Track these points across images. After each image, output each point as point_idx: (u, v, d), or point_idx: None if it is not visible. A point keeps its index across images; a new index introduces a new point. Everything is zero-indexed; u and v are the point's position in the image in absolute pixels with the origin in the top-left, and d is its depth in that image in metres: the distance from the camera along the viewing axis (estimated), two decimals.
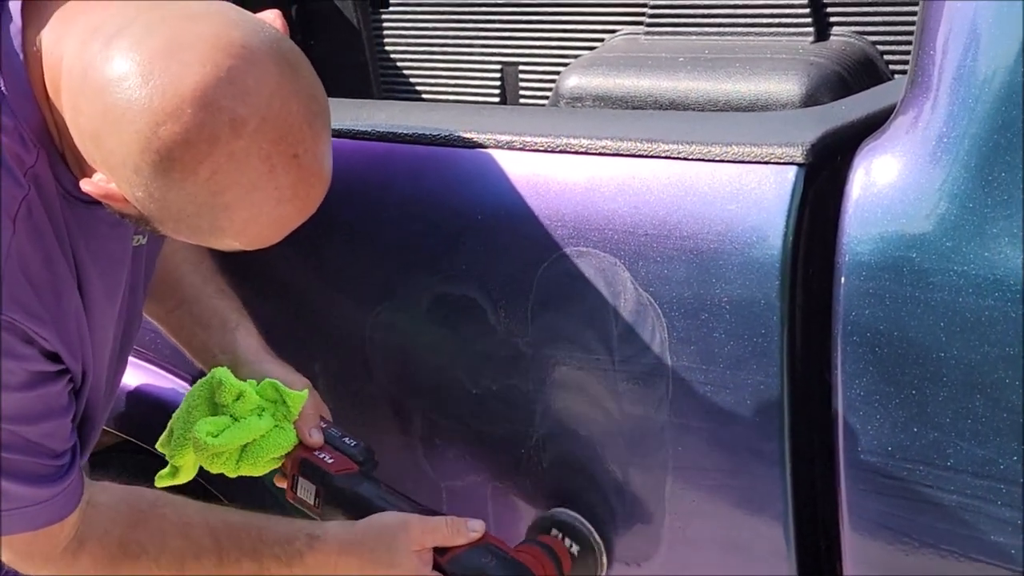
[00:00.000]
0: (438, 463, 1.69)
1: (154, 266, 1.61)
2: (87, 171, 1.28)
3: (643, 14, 2.24)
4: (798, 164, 1.39)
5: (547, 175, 1.52)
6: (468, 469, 1.67)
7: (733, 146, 1.42)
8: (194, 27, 1.19)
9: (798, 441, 1.43)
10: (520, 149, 1.55)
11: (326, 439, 1.60)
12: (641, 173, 1.46)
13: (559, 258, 1.50)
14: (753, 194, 1.40)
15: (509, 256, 1.54)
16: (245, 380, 1.59)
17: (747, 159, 1.41)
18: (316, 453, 1.59)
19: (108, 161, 1.22)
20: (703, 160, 1.43)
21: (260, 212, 1.23)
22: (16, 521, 1.36)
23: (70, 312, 1.36)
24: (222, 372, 1.58)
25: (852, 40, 2.09)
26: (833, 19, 2.11)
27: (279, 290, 1.77)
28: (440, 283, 1.60)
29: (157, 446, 1.62)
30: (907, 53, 2.00)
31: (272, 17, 1.29)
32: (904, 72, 1.97)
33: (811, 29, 2.10)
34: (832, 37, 2.11)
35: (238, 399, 1.57)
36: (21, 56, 1.28)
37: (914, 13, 2.00)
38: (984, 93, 1.29)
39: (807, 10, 2.10)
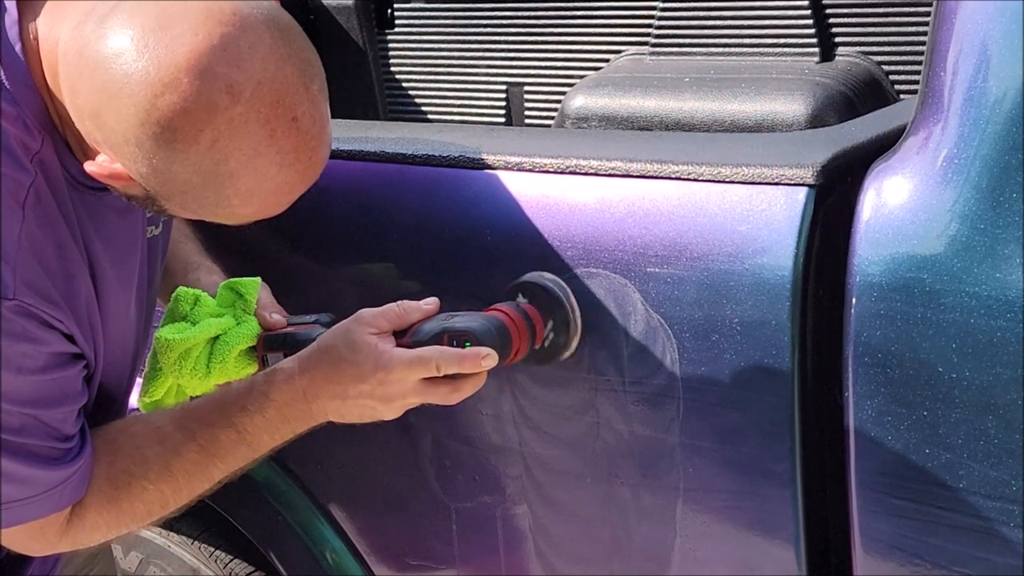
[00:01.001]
0: (448, 485, 1.69)
1: (166, 252, 1.62)
2: (90, 154, 1.29)
3: (648, 34, 2.24)
4: (809, 185, 1.39)
5: (557, 196, 1.53)
6: (478, 491, 1.67)
7: (743, 167, 1.42)
8: None
9: (809, 462, 1.43)
10: (530, 170, 1.55)
11: (288, 321, 1.59)
12: (651, 194, 1.47)
13: (569, 279, 1.49)
14: (764, 215, 1.40)
15: (519, 277, 1.54)
16: None
17: (758, 180, 1.41)
18: (278, 331, 1.57)
19: (110, 139, 1.23)
20: (713, 181, 1.44)
21: (264, 178, 1.24)
22: (41, 506, 1.35)
23: (81, 298, 1.36)
24: (178, 289, 1.59)
25: (857, 60, 2.10)
26: (838, 39, 2.12)
27: (289, 310, 1.77)
28: (450, 304, 1.60)
29: (136, 403, 1.61)
30: (913, 73, 2.02)
31: None
32: (909, 92, 1.98)
33: (816, 49, 2.10)
34: (837, 57, 2.12)
35: (195, 305, 1.58)
36: (19, 46, 1.29)
37: (920, 33, 2.01)
38: (995, 114, 1.29)
39: (812, 30, 2.10)
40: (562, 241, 1.50)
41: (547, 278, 1.50)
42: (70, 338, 1.35)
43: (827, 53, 2.12)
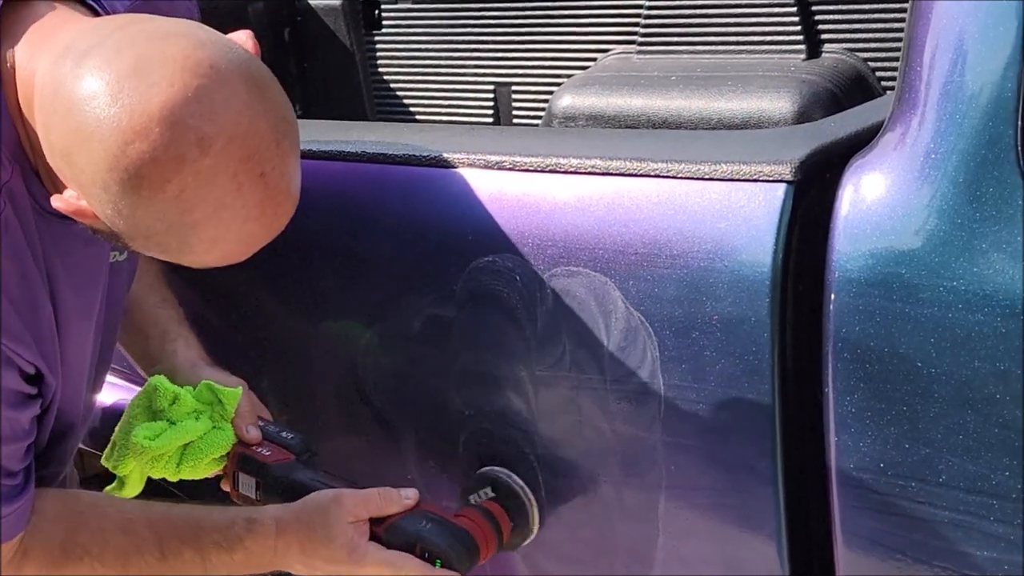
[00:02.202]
0: (432, 485, 1.69)
1: (132, 281, 1.62)
2: (59, 187, 1.29)
3: (636, 33, 2.24)
4: (787, 181, 1.39)
5: (537, 195, 1.53)
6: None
7: (722, 164, 1.42)
8: (163, 47, 1.21)
9: (790, 459, 1.42)
10: (510, 169, 1.55)
11: (264, 435, 1.63)
12: (631, 192, 1.47)
13: (550, 278, 1.50)
14: (743, 212, 1.40)
15: (500, 276, 1.54)
16: (183, 387, 1.62)
17: (736, 177, 1.41)
18: (254, 448, 1.61)
19: (78, 179, 1.23)
20: (692, 178, 1.43)
21: (228, 230, 1.24)
22: None
23: (44, 328, 1.37)
24: (158, 379, 1.61)
25: (843, 57, 2.10)
26: (824, 36, 2.12)
27: (270, 313, 1.77)
28: (431, 304, 1.60)
29: (102, 461, 1.63)
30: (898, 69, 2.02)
31: (244, 38, 1.30)
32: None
33: (803, 47, 2.10)
34: (823, 54, 2.12)
35: (174, 403, 1.60)
36: None
37: (904, 30, 2.01)
38: (971, 109, 1.29)
39: (798, 28, 2.10)
40: (542, 239, 1.50)
41: (513, 479, 1.58)
42: (29, 378, 1.35)
43: (813, 50, 2.12)
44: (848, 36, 2.10)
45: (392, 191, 1.63)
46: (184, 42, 1.22)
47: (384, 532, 1.47)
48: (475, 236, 1.55)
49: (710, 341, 1.42)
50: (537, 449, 1.56)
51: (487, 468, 1.60)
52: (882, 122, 1.40)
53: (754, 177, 1.40)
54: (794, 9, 2.11)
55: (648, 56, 2.22)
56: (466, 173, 1.57)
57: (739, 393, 1.41)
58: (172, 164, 1.18)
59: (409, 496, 1.50)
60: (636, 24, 2.24)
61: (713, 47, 2.17)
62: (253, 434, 1.62)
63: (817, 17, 2.12)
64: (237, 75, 1.22)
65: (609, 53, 2.30)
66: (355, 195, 1.67)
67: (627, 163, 1.48)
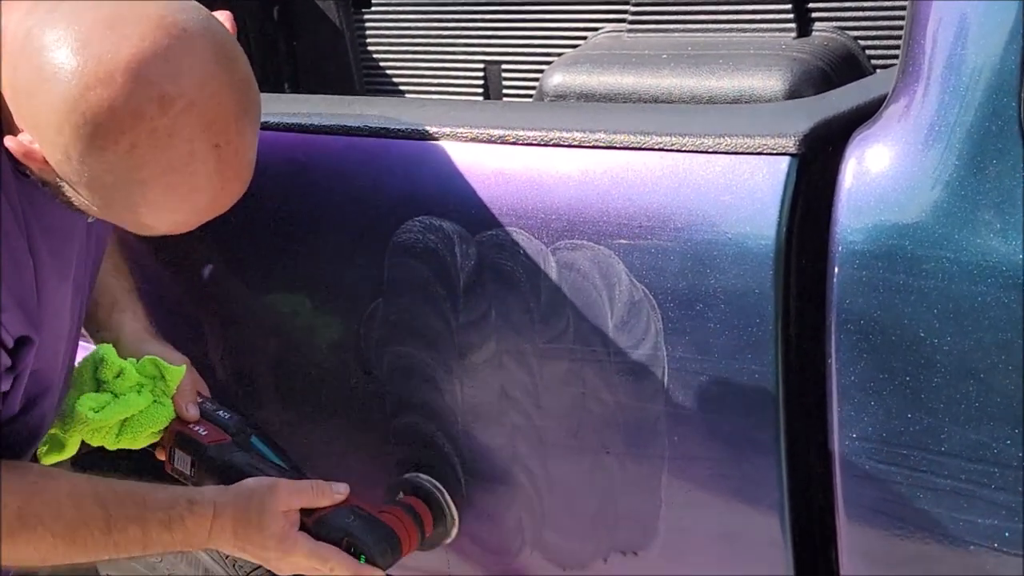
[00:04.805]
0: (435, 458, 1.69)
1: (105, 244, 1.63)
2: (14, 131, 1.29)
3: (626, 11, 2.25)
4: (791, 154, 1.39)
5: (541, 169, 1.53)
6: (466, 464, 1.67)
7: (726, 137, 1.43)
8: (139, 5, 1.22)
9: (793, 430, 1.44)
10: (513, 143, 1.55)
11: (202, 413, 1.68)
12: (635, 165, 1.47)
13: (554, 251, 1.50)
14: (746, 185, 1.41)
15: (504, 250, 1.54)
16: (127, 359, 1.66)
17: (740, 150, 1.42)
18: (191, 426, 1.66)
19: (35, 119, 1.24)
20: (696, 152, 1.44)
21: (174, 195, 1.25)
22: None
23: (26, 288, 1.37)
24: (105, 349, 1.65)
25: (834, 35, 2.11)
26: (815, 15, 2.13)
27: (272, 289, 1.77)
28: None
29: None
30: (889, 48, 2.03)
31: (223, 17, 1.31)
32: (885, 66, 2.00)
33: (793, 25, 2.11)
34: (814, 33, 2.13)
35: (119, 376, 1.64)
36: None
37: (895, 8, 2.03)
38: (975, 81, 1.30)
39: (789, 6, 2.11)
40: (547, 213, 1.50)
41: (425, 479, 1.68)
42: (10, 350, 1.35)
43: (803, 28, 2.12)
44: (838, 14, 2.11)
45: (394, 165, 1.63)
46: (161, 3, 1.23)
47: (314, 524, 1.55)
48: (479, 210, 1.55)
49: (714, 313, 1.42)
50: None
51: (408, 475, 1.69)
52: (885, 95, 1.41)
53: (758, 150, 1.41)
54: None
55: (639, 34, 2.22)
56: (469, 147, 1.58)
57: (742, 365, 1.42)
58: (129, 117, 1.19)
59: (340, 491, 1.57)
60: (626, 2, 2.24)
61: (704, 25, 2.17)
62: (192, 413, 1.67)
63: None
64: (208, 44, 1.23)
65: (599, 31, 2.31)
66: (356, 171, 1.66)
67: (631, 136, 1.48)
